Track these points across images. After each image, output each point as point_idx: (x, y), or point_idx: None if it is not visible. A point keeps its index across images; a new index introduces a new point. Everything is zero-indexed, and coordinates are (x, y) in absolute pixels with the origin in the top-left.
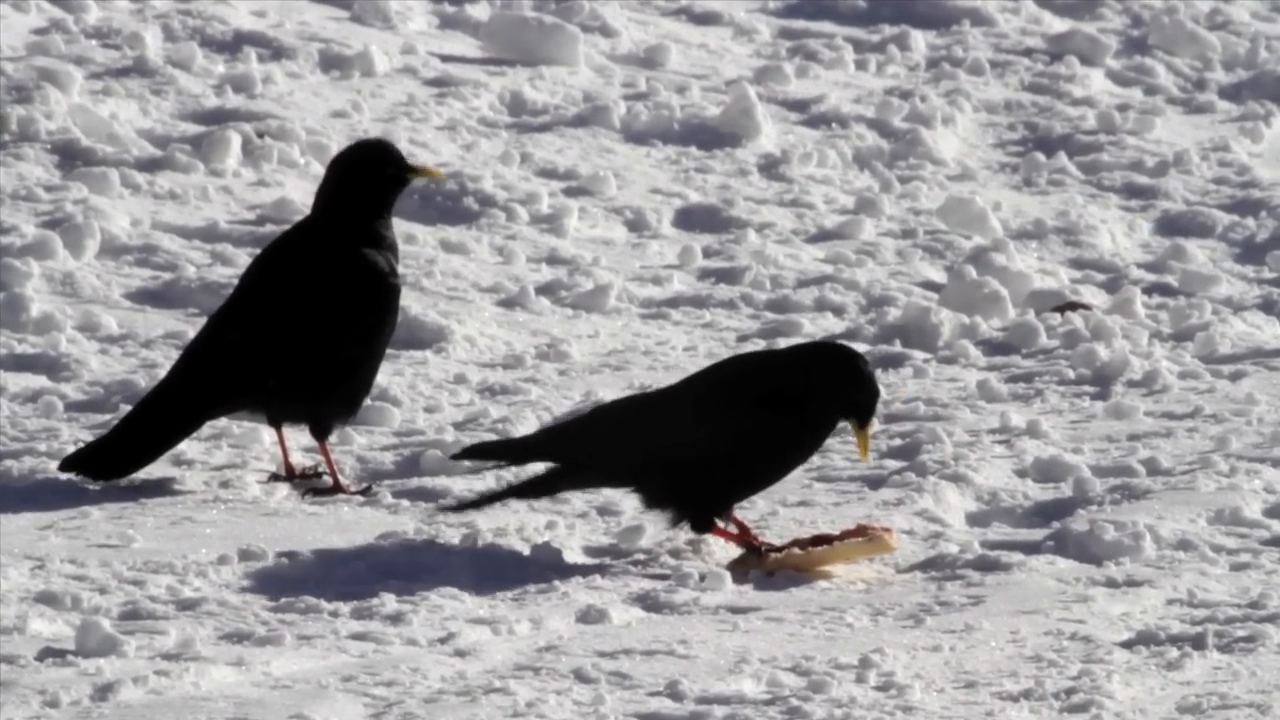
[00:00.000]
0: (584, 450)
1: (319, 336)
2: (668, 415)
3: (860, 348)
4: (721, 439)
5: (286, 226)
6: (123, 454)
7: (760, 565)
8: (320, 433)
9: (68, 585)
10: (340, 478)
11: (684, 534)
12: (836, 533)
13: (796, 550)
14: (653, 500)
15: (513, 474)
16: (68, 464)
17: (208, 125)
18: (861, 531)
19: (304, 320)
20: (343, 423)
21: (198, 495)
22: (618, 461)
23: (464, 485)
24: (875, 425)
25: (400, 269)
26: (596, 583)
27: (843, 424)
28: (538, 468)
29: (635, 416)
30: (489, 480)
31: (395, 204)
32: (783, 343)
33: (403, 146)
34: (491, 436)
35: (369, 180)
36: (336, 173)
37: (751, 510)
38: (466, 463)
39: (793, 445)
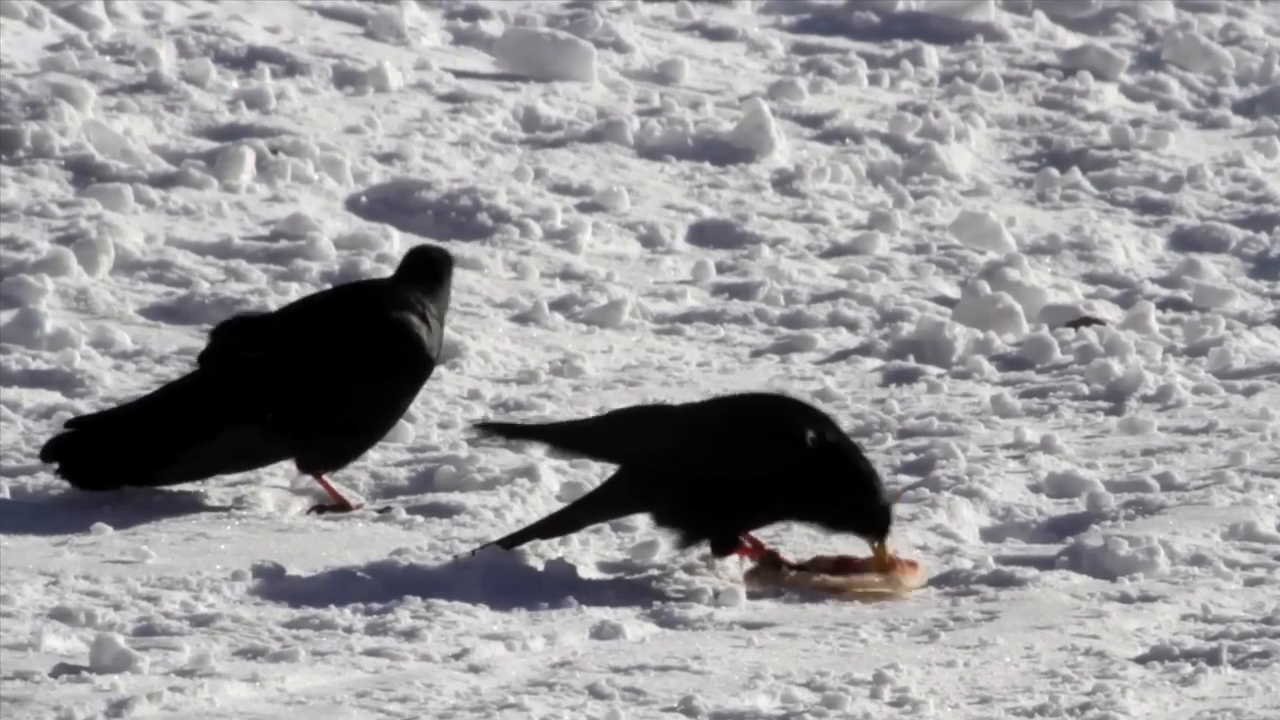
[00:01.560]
0: (609, 448)
1: (330, 384)
2: (696, 439)
3: (874, 363)
4: (750, 471)
5: (300, 242)
6: (115, 462)
7: (778, 579)
8: (304, 467)
9: (82, 601)
10: (345, 494)
11: (701, 551)
12: (861, 558)
13: (825, 576)
14: (666, 518)
15: (526, 500)
16: (50, 451)
17: (222, 141)
18: (892, 564)
19: (322, 363)
20: (332, 469)
21: (212, 511)
22: (639, 468)
23: (478, 501)
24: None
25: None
26: (611, 598)
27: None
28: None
29: (664, 428)
30: (500, 502)
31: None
32: (797, 360)
33: (416, 162)
34: (506, 453)
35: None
36: (423, 258)
37: (765, 527)
38: (477, 466)
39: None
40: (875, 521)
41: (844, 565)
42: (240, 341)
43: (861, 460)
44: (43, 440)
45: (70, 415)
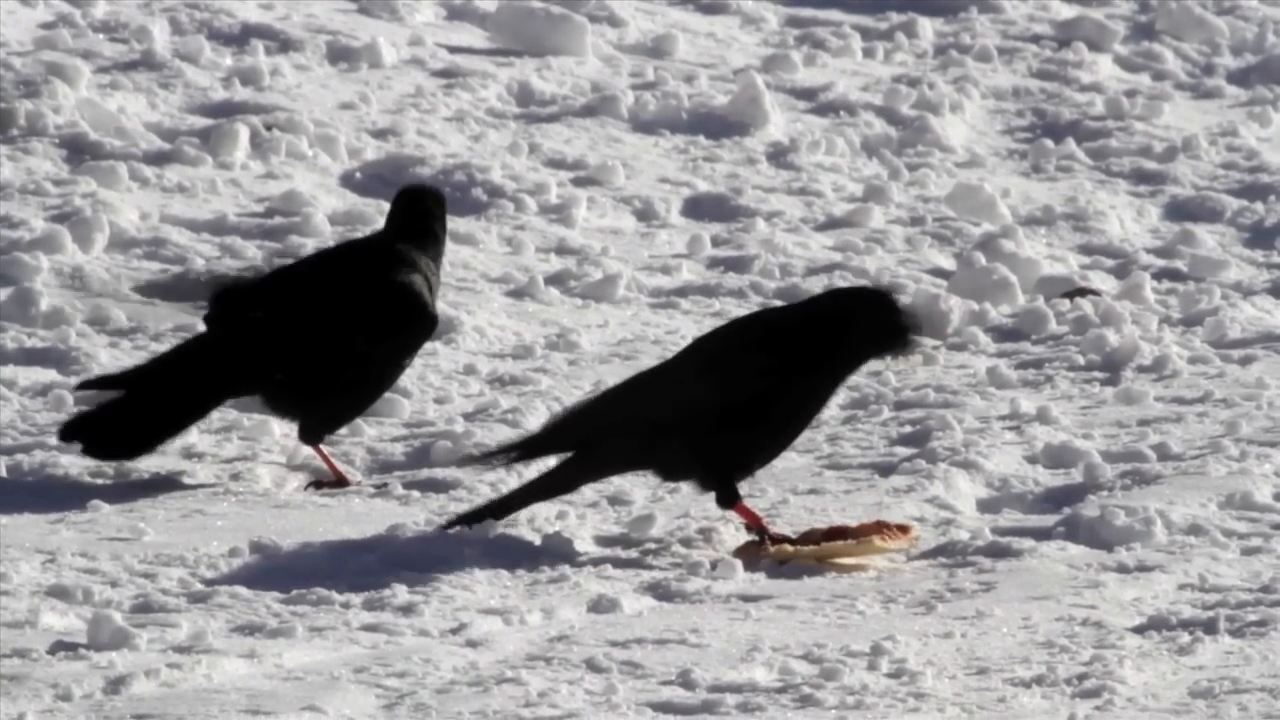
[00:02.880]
0: (598, 430)
1: (337, 340)
2: (681, 377)
3: None
4: (739, 392)
5: (295, 219)
6: (136, 430)
7: (770, 554)
8: (306, 435)
9: (79, 579)
10: (343, 470)
11: (708, 507)
12: (854, 525)
13: (809, 545)
14: (672, 471)
15: (523, 475)
16: (69, 431)
17: (216, 118)
18: (879, 528)
19: (326, 322)
20: (330, 432)
21: (208, 488)
22: (634, 433)
23: (474, 476)
24: (921, 352)
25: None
26: (608, 572)
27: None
28: (548, 464)
29: (647, 386)
30: (497, 476)
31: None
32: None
33: (410, 138)
34: (502, 427)
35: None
36: (417, 206)
37: (762, 499)
38: (473, 442)
39: (812, 398)
40: (896, 335)
41: (836, 534)
42: (245, 302)
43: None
44: (39, 418)
45: (66, 394)
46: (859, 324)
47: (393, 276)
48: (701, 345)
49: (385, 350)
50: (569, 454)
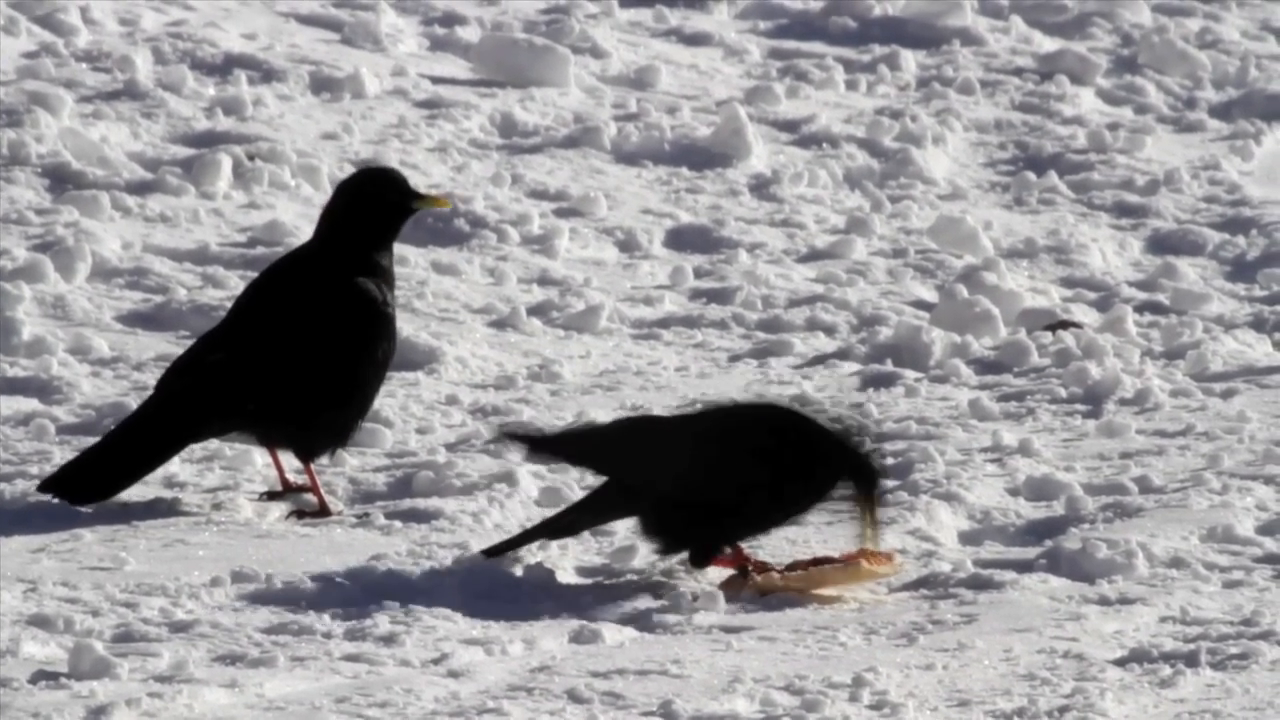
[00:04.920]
0: (605, 456)
1: (301, 361)
2: (680, 452)
3: (851, 367)
4: (727, 491)
5: (277, 249)
6: (103, 475)
7: (757, 584)
8: (305, 456)
9: (60, 608)
10: (326, 499)
11: (677, 561)
12: (836, 555)
13: (789, 574)
14: (653, 528)
15: (538, 516)
16: (46, 486)
17: (198, 148)
18: (863, 555)
19: (287, 344)
20: (331, 449)
21: (190, 517)
22: (633, 494)
23: (456, 507)
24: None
25: (396, 296)
26: (589, 603)
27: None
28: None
29: (653, 443)
30: (479, 506)
31: (399, 231)
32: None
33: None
34: (484, 458)
35: (373, 208)
36: (340, 198)
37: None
38: (456, 472)
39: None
40: (861, 474)
41: (821, 563)
42: (202, 348)
43: (834, 432)
44: (20, 447)
45: (48, 423)
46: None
47: (332, 281)
48: (709, 428)
49: (347, 356)
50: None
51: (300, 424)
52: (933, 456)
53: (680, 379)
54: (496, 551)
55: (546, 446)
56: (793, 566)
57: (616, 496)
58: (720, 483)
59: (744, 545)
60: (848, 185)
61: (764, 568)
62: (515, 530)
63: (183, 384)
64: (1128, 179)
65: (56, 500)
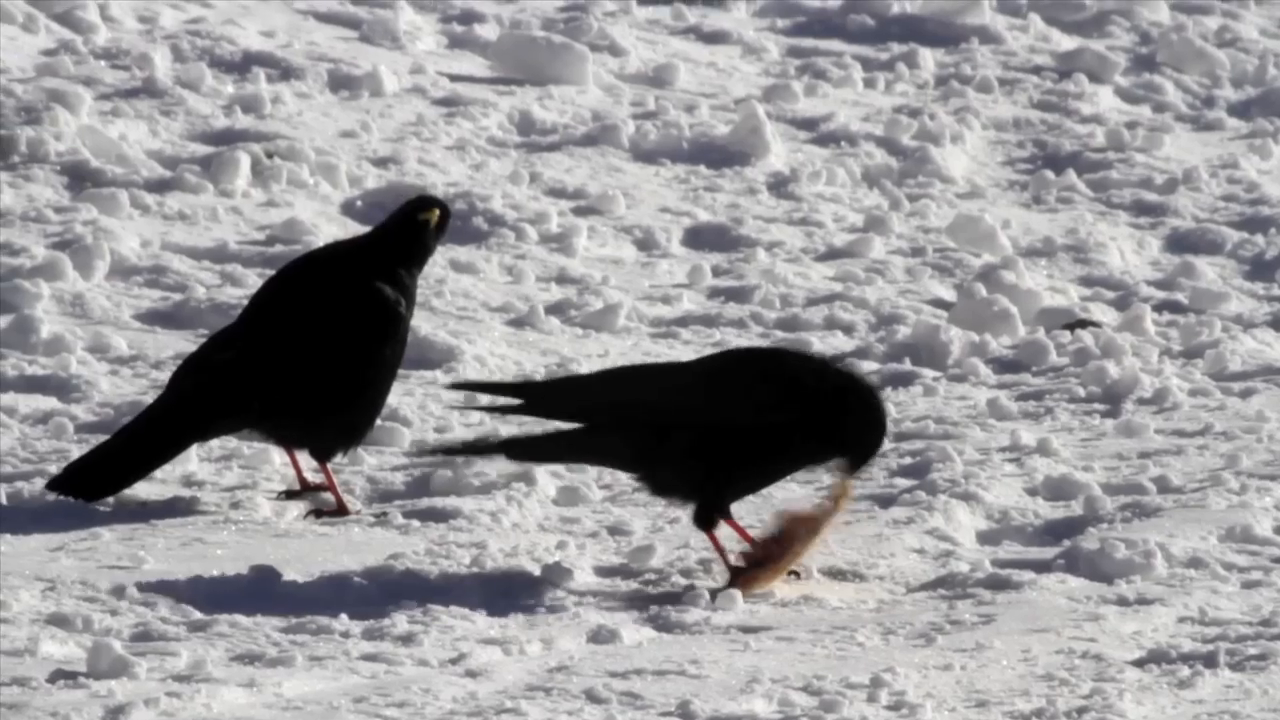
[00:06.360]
0: (600, 406)
1: (307, 362)
2: (690, 383)
3: (870, 366)
4: (744, 414)
5: (296, 247)
6: (109, 473)
7: (745, 585)
8: (320, 455)
9: (79, 607)
10: (344, 499)
11: (686, 522)
12: (785, 517)
13: (770, 563)
14: (660, 480)
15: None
16: (54, 485)
17: (217, 146)
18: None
19: (295, 344)
20: (344, 449)
21: (208, 516)
22: (635, 421)
23: (474, 506)
24: (857, 481)
25: (414, 301)
26: (607, 603)
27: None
28: (533, 428)
29: (656, 378)
30: (497, 506)
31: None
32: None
33: (411, 166)
34: (501, 457)
35: (421, 240)
36: (393, 219)
37: (761, 530)
38: (474, 471)
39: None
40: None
41: (786, 539)
42: (213, 347)
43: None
44: (39, 445)
45: (66, 421)
46: (849, 421)
47: (346, 282)
48: (715, 360)
49: (354, 356)
50: (565, 424)
51: (309, 424)
52: (951, 456)
53: None
54: (429, 452)
55: (535, 408)
56: (765, 552)
57: (619, 443)
58: (738, 406)
59: (736, 533)
60: (866, 184)
61: (738, 571)
62: (531, 529)
63: (191, 382)
64: (1146, 177)
65: (67, 498)
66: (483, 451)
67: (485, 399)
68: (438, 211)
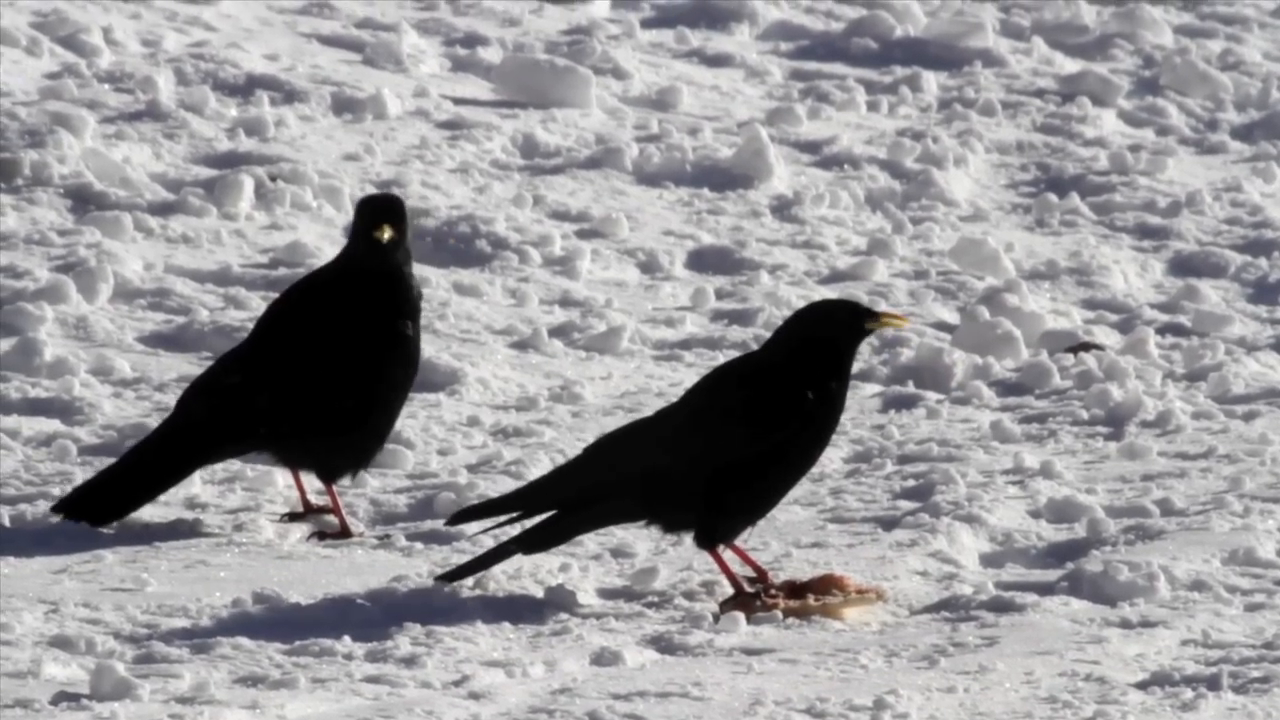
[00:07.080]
0: (594, 486)
1: (317, 386)
2: (668, 435)
3: (873, 388)
4: (722, 457)
5: (299, 270)
6: (116, 496)
7: (747, 609)
8: (327, 477)
9: (82, 629)
10: (348, 521)
11: (710, 560)
12: (839, 576)
13: (790, 601)
14: (671, 524)
15: (512, 530)
16: (60, 507)
17: (220, 169)
18: (841, 586)
19: (303, 369)
20: (353, 471)
21: (212, 538)
22: (630, 491)
23: (477, 528)
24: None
25: (421, 320)
26: (610, 625)
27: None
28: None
29: (637, 441)
30: (500, 530)
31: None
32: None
33: (415, 189)
34: (505, 479)
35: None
36: (353, 240)
37: (765, 552)
38: (477, 494)
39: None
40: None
41: (804, 589)
42: (221, 370)
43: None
44: (43, 468)
45: (69, 444)
46: (831, 334)
47: (353, 306)
48: (685, 403)
49: (364, 379)
50: (563, 510)
51: (317, 447)
52: (954, 478)
53: None
54: (453, 577)
55: (536, 510)
56: (794, 592)
57: (631, 502)
58: (739, 438)
59: (741, 560)
60: (869, 207)
61: (747, 596)
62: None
63: (200, 405)
64: (1149, 201)
65: (73, 521)
66: (502, 557)
67: (490, 520)
68: (387, 228)
